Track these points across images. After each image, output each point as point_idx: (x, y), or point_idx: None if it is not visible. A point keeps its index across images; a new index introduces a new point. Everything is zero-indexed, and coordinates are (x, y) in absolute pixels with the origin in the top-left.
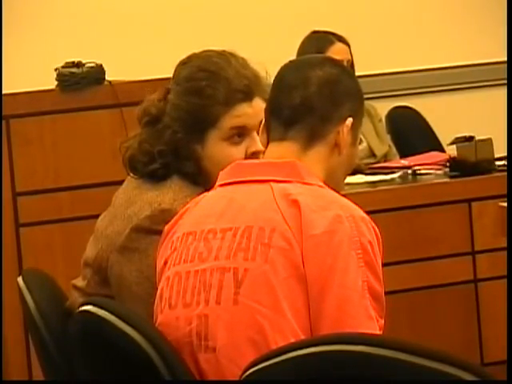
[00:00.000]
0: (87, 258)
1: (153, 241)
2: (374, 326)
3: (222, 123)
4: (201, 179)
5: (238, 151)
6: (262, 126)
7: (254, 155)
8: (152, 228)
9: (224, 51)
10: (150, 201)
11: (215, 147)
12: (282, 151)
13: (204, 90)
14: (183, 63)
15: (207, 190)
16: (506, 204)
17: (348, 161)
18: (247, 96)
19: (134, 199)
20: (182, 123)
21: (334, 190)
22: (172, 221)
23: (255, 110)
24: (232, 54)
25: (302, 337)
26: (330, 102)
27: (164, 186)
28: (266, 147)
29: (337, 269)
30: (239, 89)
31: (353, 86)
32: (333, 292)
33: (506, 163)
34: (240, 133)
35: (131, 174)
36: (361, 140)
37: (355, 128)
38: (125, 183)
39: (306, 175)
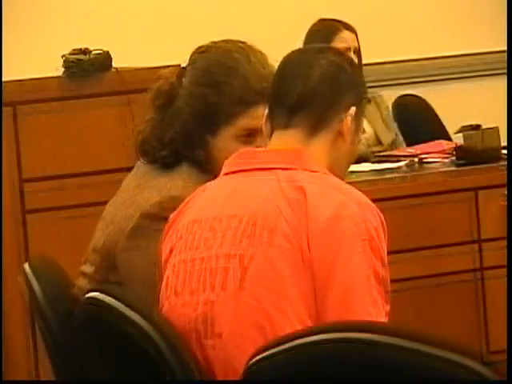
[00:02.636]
0: (95, 244)
1: (161, 227)
2: (379, 312)
3: (236, 122)
4: (210, 168)
5: None
6: (265, 115)
7: None
8: (161, 215)
9: (243, 44)
10: (160, 187)
11: (226, 143)
12: (287, 139)
13: (220, 86)
14: (201, 51)
15: (216, 178)
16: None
17: (351, 149)
18: (264, 98)
19: (144, 185)
20: (195, 113)
21: (338, 177)
22: (177, 209)
23: None
24: (252, 49)
25: (308, 322)
26: (333, 90)
27: (174, 173)
28: (270, 136)
29: (342, 254)
30: (257, 90)
31: (355, 75)
32: (338, 277)
33: (505, 154)
34: (253, 133)
35: (141, 159)
36: (363, 130)
37: (358, 116)
38: (134, 169)
39: (310, 162)
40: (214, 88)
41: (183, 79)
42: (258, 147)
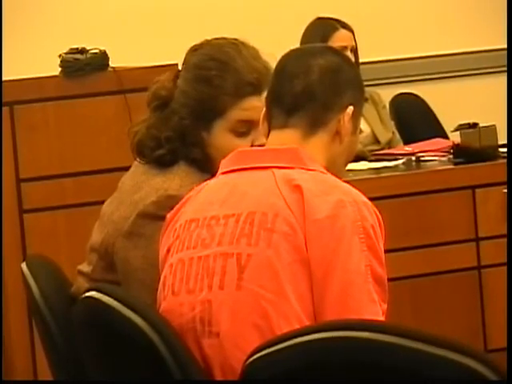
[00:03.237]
0: (93, 243)
1: (159, 227)
2: (376, 310)
3: (229, 115)
4: (207, 166)
5: (244, 143)
6: (262, 114)
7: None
8: (158, 214)
9: (236, 40)
10: (157, 187)
11: (221, 137)
12: (284, 138)
13: (213, 80)
14: (194, 49)
15: (213, 176)
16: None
17: (349, 149)
18: (256, 89)
19: (141, 185)
20: (189, 110)
21: (335, 176)
22: (174, 209)
23: (263, 103)
24: (244, 44)
25: (306, 321)
26: (331, 89)
27: (171, 173)
28: (268, 136)
29: (340, 253)
30: (249, 81)
31: (354, 75)
32: (336, 275)
33: (506, 151)
34: (247, 126)
35: (138, 159)
36: (360, 130)
37: (356, 117)
38: (131, 169)
39: (308, 161)
40: (206, 82)
41: (178, 81)
42: (253, 141)
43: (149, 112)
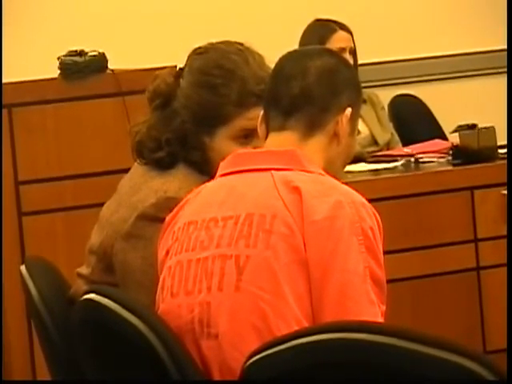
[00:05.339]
0: (92, 246)
1: (157, 229)
2: (375, 311)
3: (233, 123)
4: (207, 168)
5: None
6: (260, 117)
7: None
8: (157, 216)
9: (242, 45)
10: (156, 189)
11: (223, 144)
12: (282, 140)
13: (218, 88)
14: (199, 53)
15: (212, 179)
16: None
17: (347, 150)
18: (261, 99)
19: (140, 187)
20: (191, 114)
21: (333, 178)
22: (173, 212)
23: None
24: (250, 51)
25: (304, 322)
26: (328, 91)
27: (170, 174)
28: (266, 138)
29: (338, 254)
30: (255, 92)
31: (351, 77)
32: (334, 276)
33: (505, 152)
34: (249, 134)
35: (138, 160)
36: (358, 131)
37: (354, 118)
38: (131, 171)
39: (306, 163)
40: (211, 89)
41: (181, 80)
42: (254, 148)
43: (149, 112)
